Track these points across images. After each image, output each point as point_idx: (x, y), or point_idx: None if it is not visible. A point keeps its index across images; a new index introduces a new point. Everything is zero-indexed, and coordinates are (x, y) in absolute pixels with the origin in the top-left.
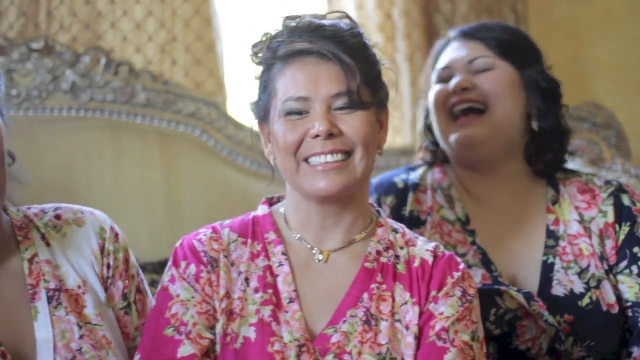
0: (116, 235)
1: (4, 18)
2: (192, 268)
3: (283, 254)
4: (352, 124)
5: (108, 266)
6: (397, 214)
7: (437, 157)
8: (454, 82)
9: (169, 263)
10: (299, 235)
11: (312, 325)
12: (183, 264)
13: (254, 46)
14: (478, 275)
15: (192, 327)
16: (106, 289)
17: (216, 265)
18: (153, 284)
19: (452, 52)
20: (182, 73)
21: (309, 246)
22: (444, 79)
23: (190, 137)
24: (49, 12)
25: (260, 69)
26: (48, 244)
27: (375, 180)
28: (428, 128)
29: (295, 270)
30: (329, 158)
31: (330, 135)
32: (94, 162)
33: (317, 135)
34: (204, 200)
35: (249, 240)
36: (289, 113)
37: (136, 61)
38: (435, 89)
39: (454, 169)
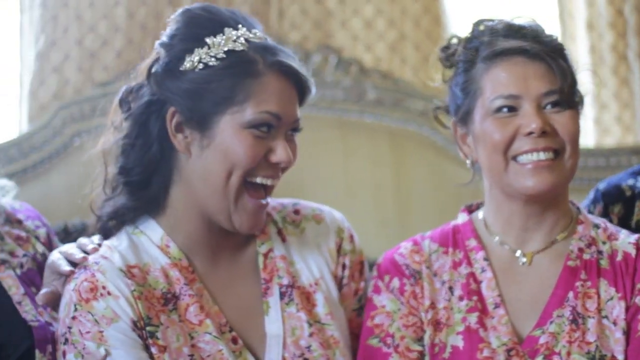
0: (351, 236)
1: None
2: (396, 282)
3: (485, 259)
4: (563, 122)
5: (343, 266)
6: (624, 225)
7: None
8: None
9: (373, 275)
10: (500, 239)
11: (518, 329)
12: (387, 278)
13: (445, 48)
14: None
15: (400, 341)
16: (340, 289)
17: (419, 277)
18: None
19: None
20: (412, 71)
21: (510, 249)
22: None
23: (419, 135)
24: (280, 11)
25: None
26: (284, 240)
27: (601, 186)
28: None
29: (498, 275)
30: (541, 156)
31: (543, 133)
32: (324, 160)
33: (530, 133)
34: (433, 199)
35: (450, 249)
36: (498, 111)
37: (366, 60)
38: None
39: None
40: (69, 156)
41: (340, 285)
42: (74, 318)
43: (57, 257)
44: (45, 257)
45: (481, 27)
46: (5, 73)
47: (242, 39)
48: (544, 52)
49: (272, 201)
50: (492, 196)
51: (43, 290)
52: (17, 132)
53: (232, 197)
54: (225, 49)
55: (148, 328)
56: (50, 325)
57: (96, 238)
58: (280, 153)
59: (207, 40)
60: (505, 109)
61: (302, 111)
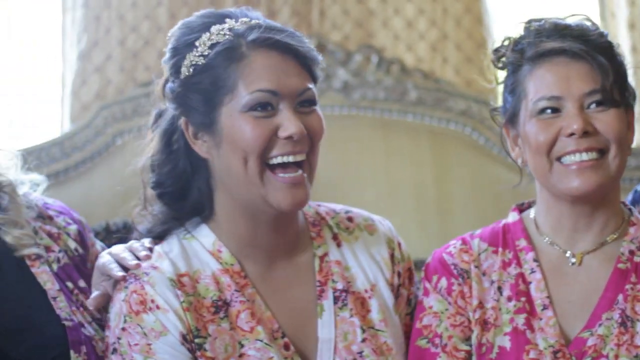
0: (399, 244)
1: (278, 17)
2: (444, 282)
3: (535, 260)
4: (606, 121)
5: (398, 274)
6: None
7: None
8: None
9: (422, 277)
10: (549, 240)
11: (566, 330)
12: (434, 278)
13: (495, 51)
14: None
15: (448, 340)
16: (395, 297)
17: (467, 276)
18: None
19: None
20: (453, 71)
21: (560, 250)
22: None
23: (460, 135)
24: (321, 11)
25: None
26: (339, 244)
27: None
28: None
29: (547, 276)
30: (584, 156)
31: (585, 134)
32: (366, 160)
33: (572, 134)
34: (474, 199)
35: (500, 249)
36: (541, 112)
37: (407, 59)
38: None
39: None
40: (111, 156)
41: (396, 294)
42: (123, 329)
43: (108, 260)
44: (77, 253)
45: (529, 27)
46: (47, 73)
47: (225, 30)
48: (584, 51)
49: (322, 206)
50: (542, 197)
51: (94, 294)
52: (59, 132)
53: (257, 180)
54: (209, 44)
55: (197, 340)
56: (82, 326)
57: (147, 241)
58: (287, 126)
59: (197, 42)
60: (548, 110)
61: (344, 111)
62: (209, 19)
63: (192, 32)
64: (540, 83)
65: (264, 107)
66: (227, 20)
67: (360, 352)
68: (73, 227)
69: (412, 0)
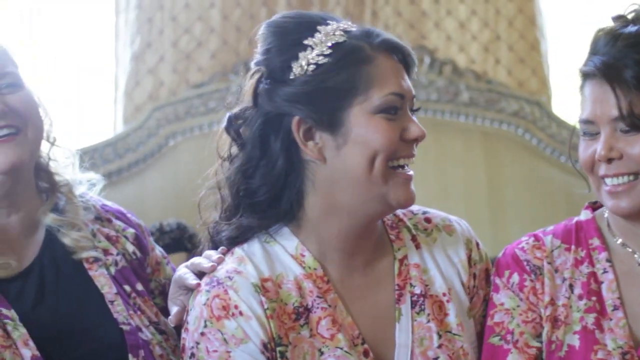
0: (477, 244)
1: None
2: (516, 277)
3: (607, 260)
4: (633, 146)
5: (474, 276)
6: None
7: None
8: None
9: (492, 273)
10: (621, 241)
11: (636, 333)
12: (506, 274)
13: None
14: None
15: (519, 336)
16: (470, 299)
17: (540, 273)
18: None
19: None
20: (505, 72)
21: (631, 252)
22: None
23: (513, 136)
24: (374, 12)
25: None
26: (418, 247)
27: None
28: None
29: (619, 277)
30: (615, 181)
31: (610, 160)
32: (417, 161)
33: (600, 160)
34: (526, 200)
35: (573, 247)
36: (584, 134)
37: (460, 60)
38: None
39: None
40: (163, 157)
41: (471, 296)
42: (202, 334)
43: (184, 272)
44: (136, 256)
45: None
46: (101, 74)
47: (339, 31)
48: (602, 72)
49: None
50: None
51: (173, 311)
52: (112, 133)
53: (379, 180)
54: (329, 44)
55: (279, 348)
56: (139, 330)
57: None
58: (414, 129)
59: (306, 42)
60: (587, 134)
61: None
62: (301, 19)
63: (293, 33)
64: (582, 103)
65: (395, 110)
66: (329, 22)
67: (436, 358)
68: (131, 231)
69: (464, 1)
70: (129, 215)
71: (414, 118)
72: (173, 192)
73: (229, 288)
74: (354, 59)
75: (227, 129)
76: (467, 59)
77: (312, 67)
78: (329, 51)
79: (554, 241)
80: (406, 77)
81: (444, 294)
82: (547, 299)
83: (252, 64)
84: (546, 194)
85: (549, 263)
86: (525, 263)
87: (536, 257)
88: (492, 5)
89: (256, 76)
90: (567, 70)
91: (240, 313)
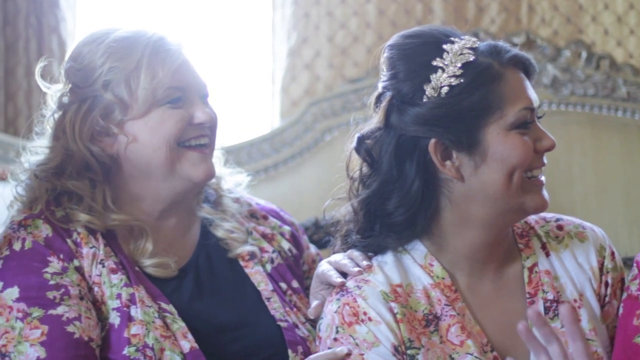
0: (612, 253)
1: (486, 13)
2: None
3: None
4: None
5: (606, 284)
6: None
7: None
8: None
9: (634, 272)
10: None
11: None
12: None
13: None
14: None
15: None
16: (602, 307)
17: None
18: None
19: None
20: None
21: None
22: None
23: None
24: (530, 6)
25: None
26: (547, 254)
27: None
28: None
29: None
30: None
31: None
32: (575, 157)
33: None
34: None
35: None
36: None
37: (617, 55)
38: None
39: None
40: (320, 152)
41: (602, 304)
42: (335, 340)
43: (327, 268)
44: (291, 253)
45: None
46: (258, 70)
47: (466, 49)
48: None
49: (534, 215)
50: None
51: (313, 304)
52: (269, 128)
53: (517, 192)
54: (459, 64)
55: (409, 351)
56: (296, 327)
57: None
58: (546, 140)
59: (435, 63)
60: None
61: (553, 107)
62: (424, 39)
63: (420, 55)
64: None
65: (527, 124)
66: (453, 38)
67: None
68: (287, 228)
69: None
70: (282, 213)
71: (542, 128)
72: (329, 187)
73: (358, 296)
74: (485, 78)
75: (357, 149)
76: (624, 53)
77: (445, 89)
78: (460, 72)
79: None
80: (530, 87)
81: (575, 300)
82: None
83: (379, 87)
84: None
85: None
86: None
87: None
88: None
89: (387, 99)
90: None
91: (370, 319)
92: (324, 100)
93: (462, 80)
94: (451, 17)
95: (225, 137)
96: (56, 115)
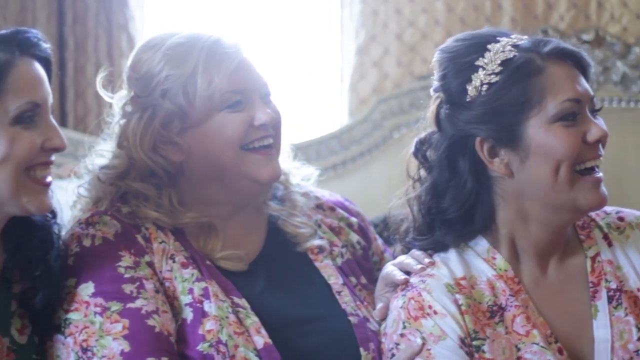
0: None
1: (555, 10)
2: None
3: None
4: None
5: None
6: None
7: None
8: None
9: None
10: None
11: None
12: None
13: None
14: None
15: None
16: None
17: None
18: None
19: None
20: None
21: None
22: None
23: None
24: (599, 3)
25: None
26: (610, 244)
27: None
28: None
29: None
30: None
31: None
32: None
33: None
34: None
35: None
36: None
37: None
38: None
39: None
40: (389, 149)
41: None
42: (402, 335)
43: (391, 269)
44: (360, 245)
45: None
46: (327, 68)
47: (508, 47)
48: None
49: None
50: None
51: (378, 306)
52: (338, 125)
53: (566, 187)
54: (498, 61)
55: (474, 342)
56: (367, 321)
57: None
58: (595, 131)
59: (477, 62)
60: None
61: (623, 104)
62: (471, 40)
63: (465, 56)
64: None
65: (573, 115)
66: (500, 38)
67: (637, 351)
68: (354, 219)
69: None
70: (347, 204)
71: (598, 119)
72: (398, 184)
73: (422, 290)
74: (523, 73)
75: (415, 154)
76: None
77: (485, 87)
78: (499, 69)
79: None
80: (582, 80)
81: (639, 290)
82: None
83: (431, 91)
84: None
85: None
86: None
87: None
88: None
89: (437, 102)
90: None
91: (435, 312)
92: (392, 97)
93: (500, 77)
94: (520, 14)
95: (293, 135)
96: (121, 122)
